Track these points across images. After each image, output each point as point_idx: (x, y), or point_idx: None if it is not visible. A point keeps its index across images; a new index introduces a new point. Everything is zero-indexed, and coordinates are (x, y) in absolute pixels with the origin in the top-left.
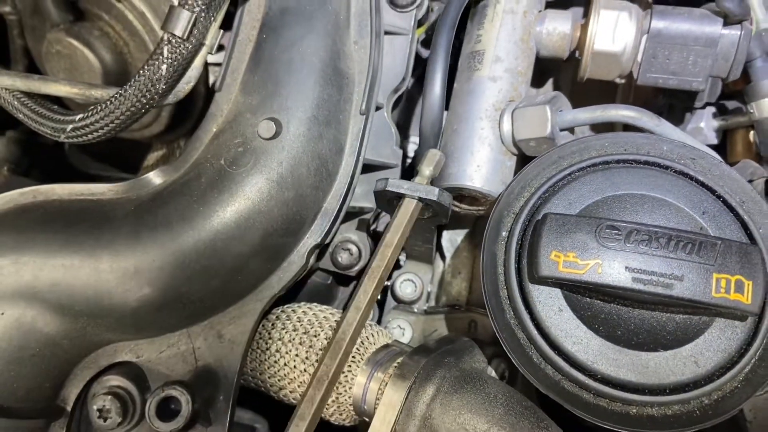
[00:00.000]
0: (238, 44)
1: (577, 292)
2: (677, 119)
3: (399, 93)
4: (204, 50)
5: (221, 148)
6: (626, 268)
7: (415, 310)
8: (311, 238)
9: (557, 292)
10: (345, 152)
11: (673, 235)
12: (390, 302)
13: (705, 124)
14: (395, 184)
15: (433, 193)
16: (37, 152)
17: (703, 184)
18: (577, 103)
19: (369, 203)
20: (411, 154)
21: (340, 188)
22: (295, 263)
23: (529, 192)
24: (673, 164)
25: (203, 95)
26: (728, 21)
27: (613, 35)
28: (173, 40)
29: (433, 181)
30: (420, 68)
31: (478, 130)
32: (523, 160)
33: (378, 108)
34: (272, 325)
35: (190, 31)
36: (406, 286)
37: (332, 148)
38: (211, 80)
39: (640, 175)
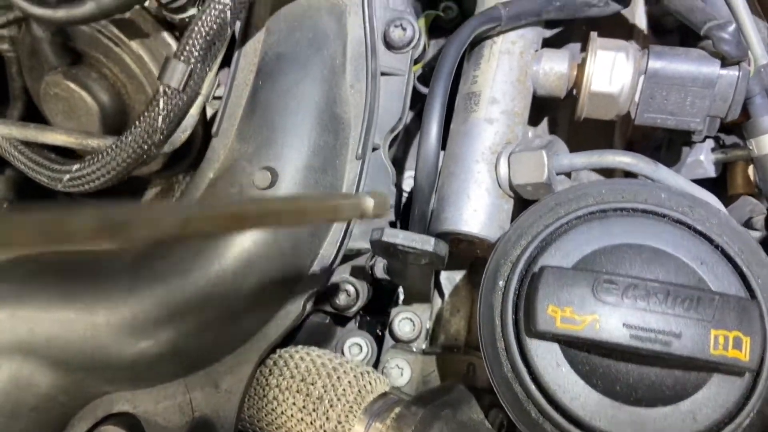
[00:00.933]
0: (234, 88)
1: (575, 347)
2: (676, 153)
3: (395, 132)
4: (200, 99)
5: (217, 197)
6: (624, 324)
7: (414, 349)
8: (308, 285)
9: (555, 346)
10: None
11: (671, 290)
12: (388, 341)
13: (704, 157)
14: (391, 234)
15: (428, 244)
16: (38, 190)
17: (701, 234)
18: (575, 136)
19: (366, 244)
20: (407, 188)
21: (337, 234)
22: (292, 312)
23: (525, 240)
24: (671, 213)
25: (201, 135)
26: (726, 62)
27: (610, 76)
28: (169, 92)
29: (430, 223)
30: (419, 103)
31: (474, 173)
32: (521, 202)
33: (375, 149)
34: (269, 371)
35: (186, 83)
36: (404, 324)
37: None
38: (209, 113)
39: (637, 224)
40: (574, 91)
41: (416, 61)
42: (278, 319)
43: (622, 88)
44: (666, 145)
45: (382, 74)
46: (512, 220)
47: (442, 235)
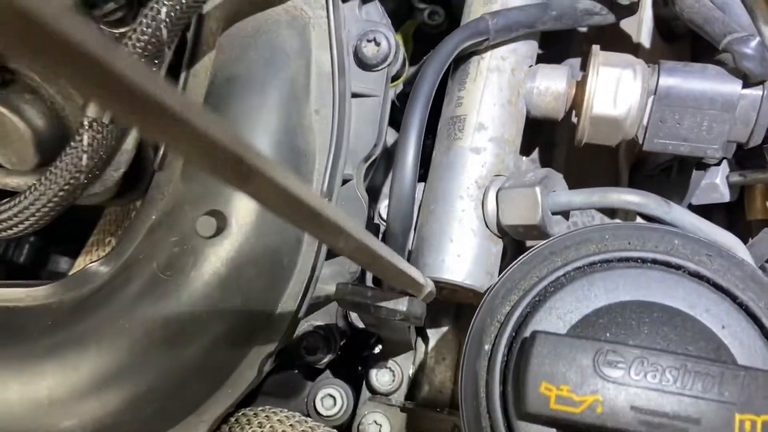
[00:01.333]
0: None
1: None
2: (688, 175)
3: (371, 161)
4: (135, 132)
5: (155, 246)
6: (632, 407)
7: (394, 401)
8: (264, 346)
9: (550, 431)
10: (303, 243)
11: (688, 365)
12: (365, 393)
13: (720, 180)
14: (357, 292)
15: (401, 304)
16: None
17: (722, 289)
18: (574, 161)
19: None
20: (384, 213)
21: (298, 286)
22: (245, 377)
23: (516, 296)
24: (687, 263)
25: (152, 159)
26: (748, 81)
27: (615, 97)
28: (95, 126)
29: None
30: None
31: (458, 211)
32: (513, 242)
33: (346, 181)
34: None
35: None
36: (382, 374)
37: (288, 241)
38: None
39: (647, 277)
40: (573, 114)
41: (395, 77)
42: (228, 386)
43: (628, 111)
44: (677, 167)
45: (354, 96)
46: (502, 263)
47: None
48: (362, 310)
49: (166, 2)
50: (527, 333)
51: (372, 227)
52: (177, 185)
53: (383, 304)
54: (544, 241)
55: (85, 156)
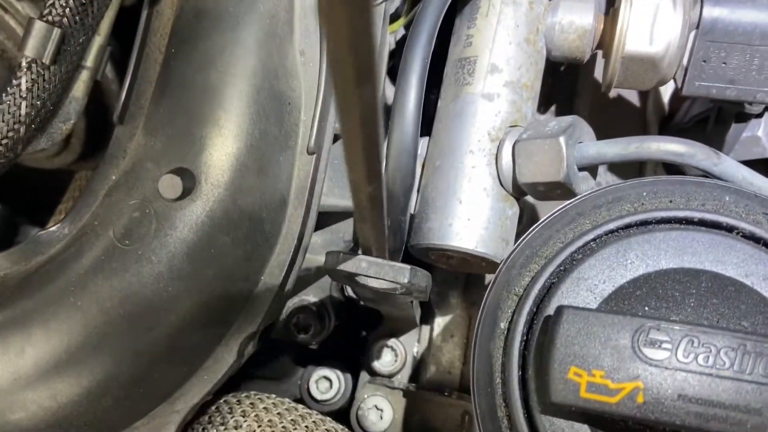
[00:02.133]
0: (145, 58)
1: (609, 427)
2: (727, 127)
3: None
4: (86, 74)
5: (113, 211)
6: (679, 396)
7: (397, 384)
8: (244, 326)
9: (580, 425)
10: (288, 206)
11: (749, 346)
12: (364, 375)
13: (763, 132)
14: (351, 262)
15: (403, 275)
16: None
17: None
18: (598, 114)
19: None
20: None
21: (283, 256)
22: (224, 360)
23: (537, 266)
24: (740, 224)
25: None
26: None
27: (651, 32)
28: (34, 67)
29: (410, 234)
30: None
31: (467, 168)
32: (530, 203)
33: (338, 137)
34: (203, 429)
35: (57, 52)
36: (383, 354)
37: (269, 204)
38: None
39: (693, 240)
40: (601, 54)
41: (394, 18)
42: (204, 371)
43: (666, 48)
44: (714, 118)
45: None
46: (519, 228)
47: (426, 250)
48: (357, 284)
49: None
50: (551, 308)
51: None
52: (139, 140)
53: (382, 275)
54: (570, 201)
55: (24, 103)
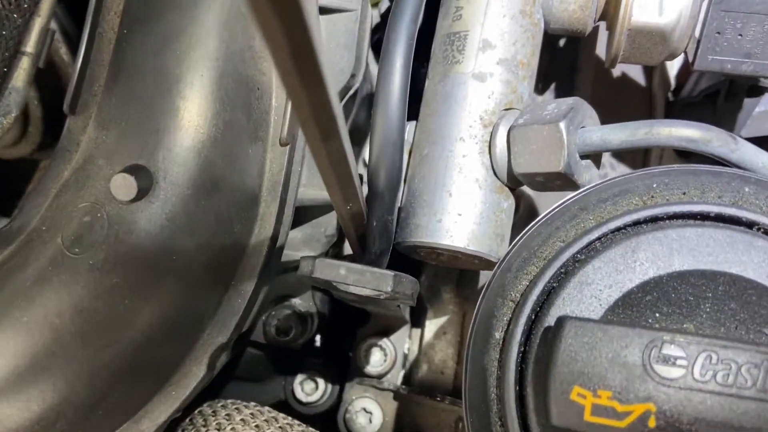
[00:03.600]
0: (98, 39)
1: None
2: (738, 103)
3: (348, 95)
4: (26, 61)
5: (61, 215)
6: (696, 419)
7: (386, 385)
8: (215, 336)
9: None
10: (260, 203)
11: None
12: (353, 375)
13: None
14: (328, 267)
15: (385, 283)
16: None
17: None
18: (602, 84)
19: (312, 252)
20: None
21: (256, 258)
22: (192, 374)
23: (535, 268)
24: (762, 219)
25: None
26: None
27: (661, 0)
28: None
29: (397, 230)
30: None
31: (458, 157)
32: (527, 194)
33: None
34: None
35: None
36: (372, 353)
37: (238, 202)
38: None
39: (709, 238)
40: (604, 25)
41: None
42: (172, 387)
43: (677, 19)
44: (725, 92)
45: (323, 11)
46: (515, 220)
47: (414, 248)
48: (338, 289)
49: None
50: (551, 318)
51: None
52: (91, 133)
53: (362, 284)
54: (572, 194)
55: None
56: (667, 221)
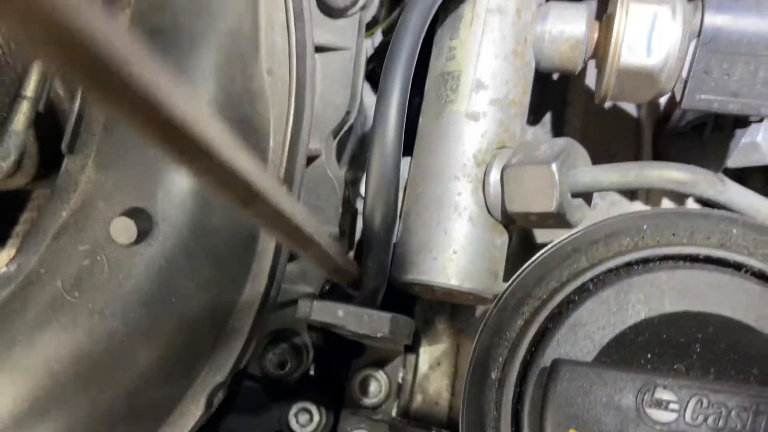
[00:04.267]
0: None
1: None
2: (725, 133)
3: (344, 130)
4: (26, 105)
5: (61, 258)
6: None
7: (381, 417)
8: (212, 375)
9: None
10: (258, 242)
11: (762, 405)
12: (347, 406)
13: (762, 138)
14: (326, 311)
15: (383, 326)
16: None
17: None
18: (589, 125)
19: (308, 286)
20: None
21: (253, 296)
22: (190, 413)
23: (530, 308)
24: (749, 260)
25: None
26: None
27: (649, 42)
28: None
29: (392, 267)
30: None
31: (453, 195)
32: (521, 231)
33: (313, 158)
34: None
35: None
36: (367, 384)
37: (237, 241)
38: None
39: (698, 280)
40: (594, 64)
41: (371, 24)
42: (171, 426)
43: (665, 60)
44: (712, 123)
45: (319, 50)
46: (508, 252)
47: (409, 285)
48: (335, 327)
49: None
50: (546, 359)
51: (350, 213)
52: (90, 175)
53: (359, 328)
54: (565, 235)
55: None
56: (657, 263)
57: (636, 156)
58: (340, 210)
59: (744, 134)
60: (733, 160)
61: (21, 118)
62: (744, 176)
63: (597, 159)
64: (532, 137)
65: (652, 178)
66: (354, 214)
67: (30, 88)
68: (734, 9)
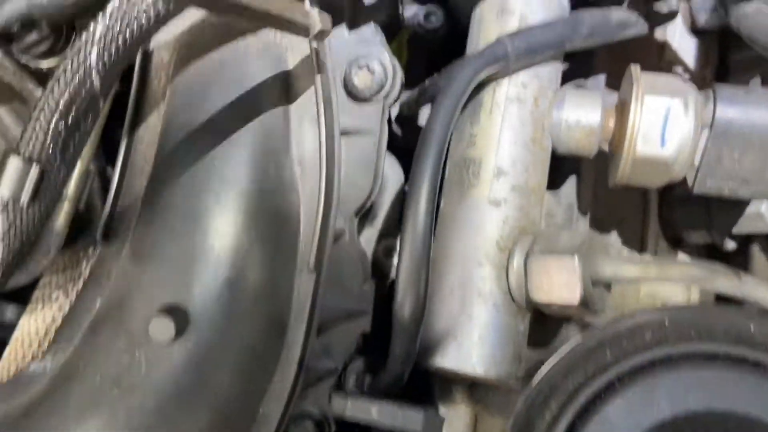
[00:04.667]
0: (130, 170)
1: None
2: (733, 202)
3: (364, 210)
4: (67, 206)
5: (99, 353)
6: None
7: None
8: None
9: None
10: (289, 329)
11: None
12: None
13: (766, 208)
14: (360, 409)
15: (416, 423)
16: None
17: None
18: (602, 185)
19: (332, 362)
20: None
21: (283, 383)
22: None
23: (556, 404)
24: (765, 357)
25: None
26: None
27: (663, 133)
28: (11, 207)
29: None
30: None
31: (477, 281)
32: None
33: (337, 237)
34: None
35: (36, 191)
36: None
37: (268, 330)
38: None
39: (719, 379)
40: (608, 148)
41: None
42: None
43: (678, 150)
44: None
45: (344, 133)
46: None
47: (432, 371)
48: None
49: (97, 41)
50: None
51: (372, 285)
52: (125, 266)
53: (393, 423)
54: (589, 332)
55: (0, 246)
56: (680, 360)
57: (643, 222)
58: (364, 287)
59: (750, 202)
60: (739, 227)
61: (62, 218)
62: (747, 243)
63: (605, 225)
64: (547, 205)
65: (671, 273)
66: (383, 280)
67: (71, 189)
68: (744, 102)
